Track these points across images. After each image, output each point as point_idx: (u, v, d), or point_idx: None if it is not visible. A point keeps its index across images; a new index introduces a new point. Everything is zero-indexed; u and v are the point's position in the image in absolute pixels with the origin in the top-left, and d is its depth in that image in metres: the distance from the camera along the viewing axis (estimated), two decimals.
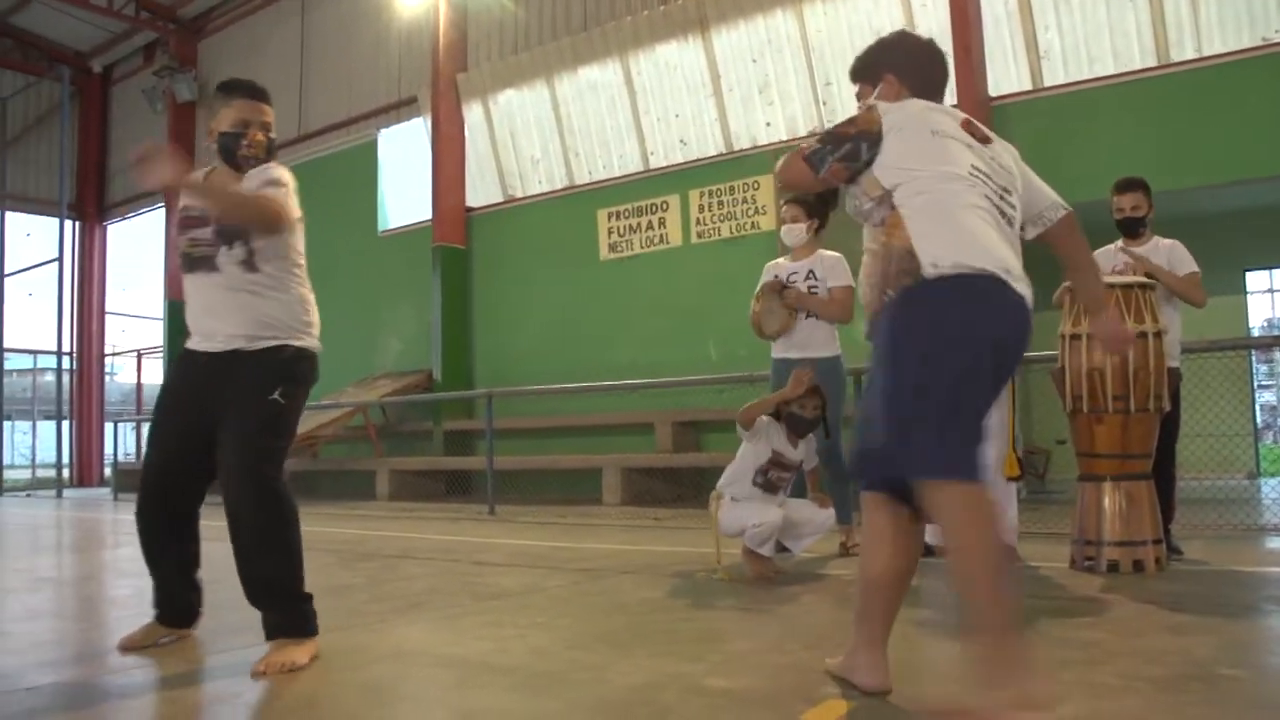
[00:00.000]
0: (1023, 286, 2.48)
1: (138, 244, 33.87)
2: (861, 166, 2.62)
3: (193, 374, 3.32)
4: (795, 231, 5.51)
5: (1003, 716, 2.09)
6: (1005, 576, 2.28)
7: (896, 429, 2.42)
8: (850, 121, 2.67)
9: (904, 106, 2.69)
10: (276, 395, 3.22)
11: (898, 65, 2.86)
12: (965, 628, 2.30)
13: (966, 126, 2.66)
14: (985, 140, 2.67)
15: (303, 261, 3.43)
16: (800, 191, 2.95)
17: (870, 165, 2.61)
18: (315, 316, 3.42)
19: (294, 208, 3.33)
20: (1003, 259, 2.46)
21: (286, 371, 3.26)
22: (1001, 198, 2.59)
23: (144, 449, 3.29)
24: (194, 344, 3.35)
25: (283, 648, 3.08)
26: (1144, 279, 4.75)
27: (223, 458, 3.20)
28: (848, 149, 2.61)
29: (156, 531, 3.43)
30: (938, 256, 2.43)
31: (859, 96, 2.95)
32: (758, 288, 5.56)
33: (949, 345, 2.40)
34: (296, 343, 3.31)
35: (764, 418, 4.82)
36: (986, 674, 2.18)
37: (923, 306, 2.45)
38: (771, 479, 4.82)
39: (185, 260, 3.36)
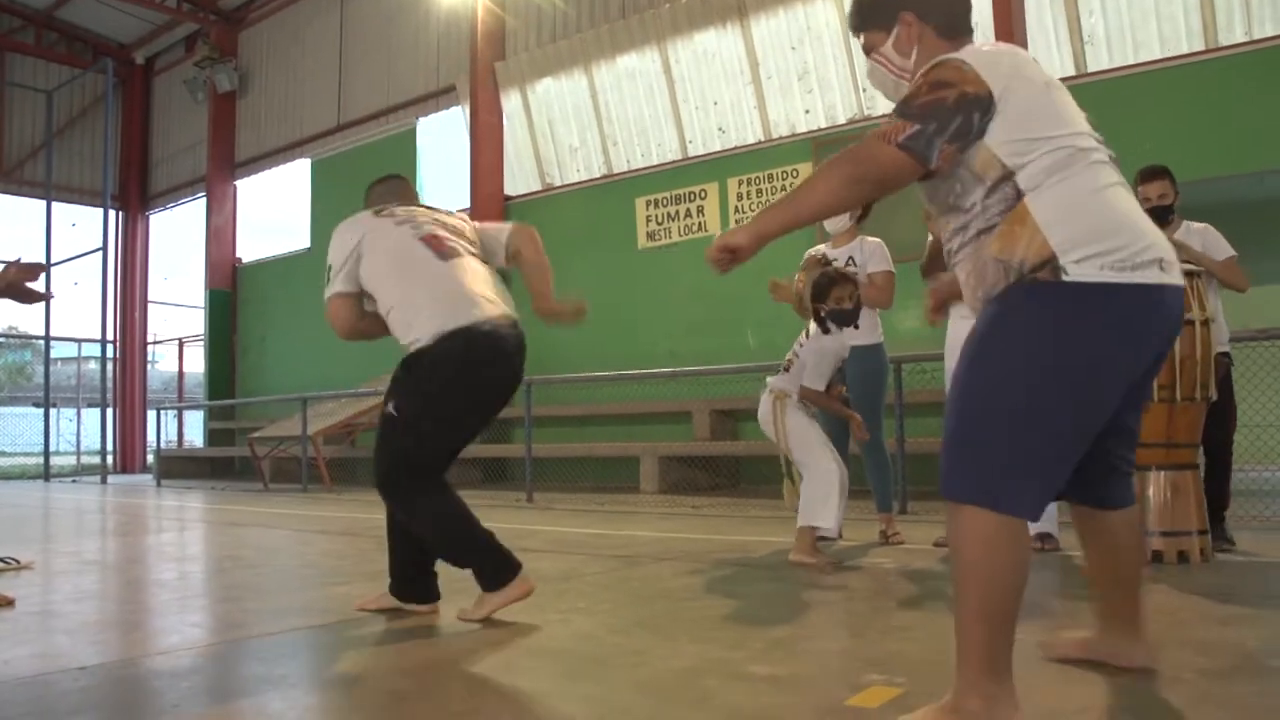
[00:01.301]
0: (1177, 272, 2.12)
1: (179, 233, 34.22)
2: (972, 142, 2.10)
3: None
4: (838, 218, 5.47)
5: None
6: (1007, 634, 2.07)
7: (956, 447, 2.17)
8: (941, 85, 2.08)
9: (990, 54, 2.16)
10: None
11: (917, 2, 2.34)
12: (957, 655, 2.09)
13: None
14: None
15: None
16: (895, 190, 2.16)
17: (981, 136, 2.09)
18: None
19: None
20: (1164, 246, 2.11)
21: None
22: (1111, 159, 2.20)
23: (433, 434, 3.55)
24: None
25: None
26: (1191, 266, 4.68)
27: None
28: (958, 124, 2.06)
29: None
30: (1085, 252, 2.02)
31: (868, 49, 2.46)
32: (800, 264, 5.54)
33: (1064, 374, 2.03)
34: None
35: (823, 342, 4.76)
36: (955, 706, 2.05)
37: (1054, 311, 2.04)
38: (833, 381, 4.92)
39: None
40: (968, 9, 2.40)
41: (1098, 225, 2.05)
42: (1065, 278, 2.01)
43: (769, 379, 4.91)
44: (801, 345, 4.83)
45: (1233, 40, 8.50)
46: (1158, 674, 2.48)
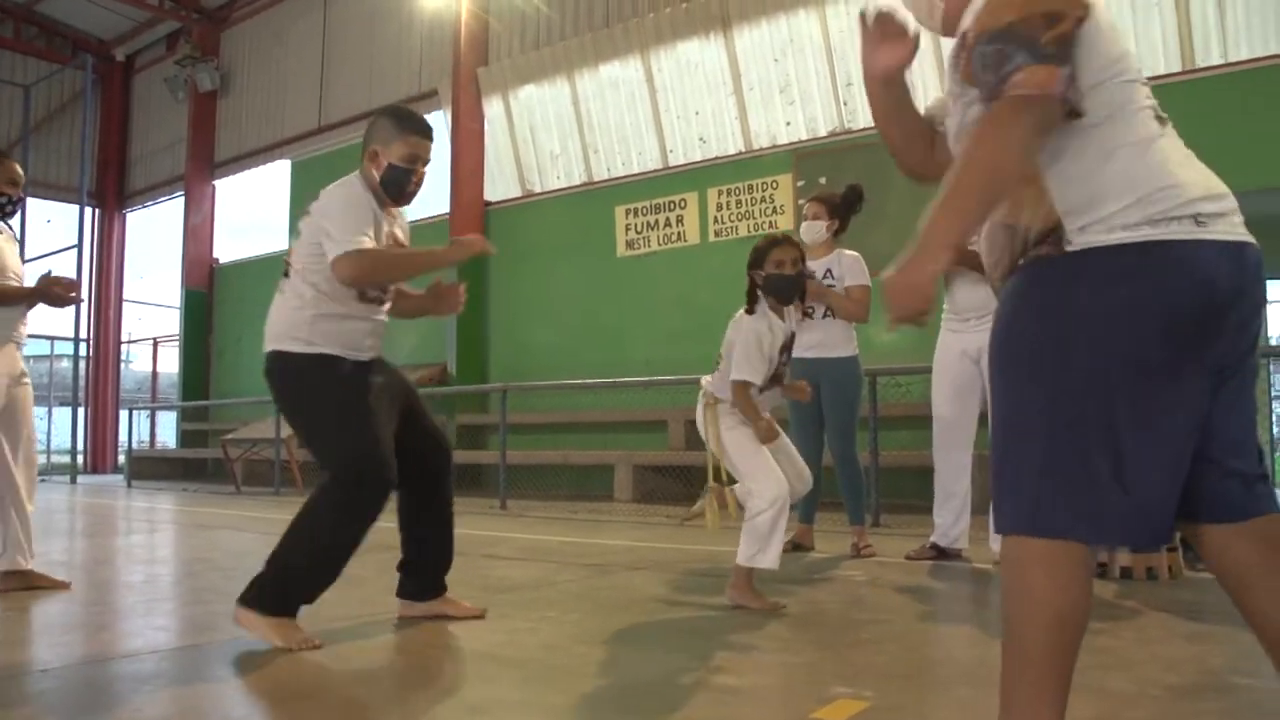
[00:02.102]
0: (1237, 219, 1.71)
1: (156, 232, 34.05)
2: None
3: None
4: (815, 229, 5.49)
5: None
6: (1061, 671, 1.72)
7: (999, 463, 1.79)
8: (1057, 11, 1.67)
9: None
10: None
11: None
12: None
13: None
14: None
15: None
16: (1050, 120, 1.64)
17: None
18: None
19: None
20: (1203, 189, 1.72)
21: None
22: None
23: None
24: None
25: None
26: None
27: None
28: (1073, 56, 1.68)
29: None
30: (1095, 215, 1.68)
31: None
32: None
33: (1073, 363, 1.68)
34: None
35: (744, 316, 4.01)
36: None
37: (1050, 293, 1.73)
38: (777, 371, 4.08)
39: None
40: None
41: (1112, 181, 1.70)
42: (1069, 248, 1.70)
43: (703, 379, 4.20)
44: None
45: (1209, 62, 8.57)
46: (1124, 690, 2.49)
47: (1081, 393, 1.67)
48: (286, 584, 3.26)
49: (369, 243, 3.22)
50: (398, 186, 3.39)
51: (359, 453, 3.28)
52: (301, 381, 3.39)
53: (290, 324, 3.37)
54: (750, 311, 3.98)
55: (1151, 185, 1.68)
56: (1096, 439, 1.65)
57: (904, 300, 1.71)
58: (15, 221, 4.67)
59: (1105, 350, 1.65)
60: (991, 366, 1.82)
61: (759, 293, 3.98)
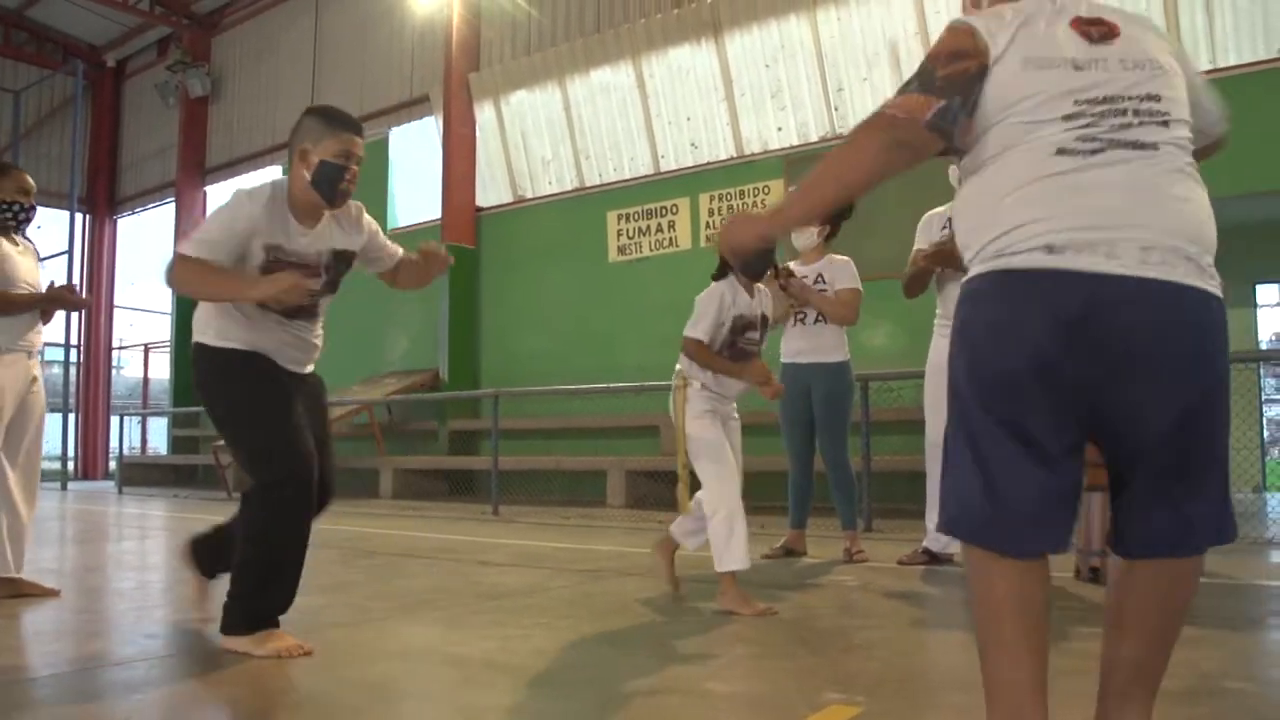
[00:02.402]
0: (1118, 251, 1.76)
1: (148, 238, 33.97)
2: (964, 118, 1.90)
3: None
4: (807, 234, 5.49)
5: None
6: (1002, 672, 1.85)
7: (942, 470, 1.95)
8: (957, 56, 1.88)
9: (1001, 17, 1.93)
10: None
11: None
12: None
13: (1079, 25, 1.90)
14: (1109, 36, 1.90)
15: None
16: (902, 169, 1.89)
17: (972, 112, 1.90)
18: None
19: None
20: (1064, 224, 1.78)
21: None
22: (1134, 115, 1.84)
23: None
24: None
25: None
26: None
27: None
28: (964, 100, 1.88)
29: None
30: (975, 250, 1.89)
31: None
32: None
33: (958, 383, 1.89)
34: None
35: (715, 285, 4.11)
36: None
37: (960, 312, 1.91)
38: (741, 347, 4.11)
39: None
40: None
41: (981, 216, 1.89)
42: (964, 278, 1.94)
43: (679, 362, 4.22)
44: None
45: (1198, 68, 8.59)
46: None
47: (964, 407, 1.87)
48: (250, 600, 3.23)
49: (205, 252, 3.11)
50: (330, 183, 3.26)
51: (274, 449, 3.23)
52: (215, 375, 3.36)
53: (205, 316, 3.37)
54: (717, 279, 4.09)
55: (1014, 220, 1.81)
56: (975, 450, 1.83)
57: (729, 238, 2.09)
58: (32, 233, 4.72)
59: (977, 367, 1.84)
60: None
61: (728, 268, 4.06)
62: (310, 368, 3.56)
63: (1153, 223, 1.79)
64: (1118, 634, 1.95)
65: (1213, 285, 1.83)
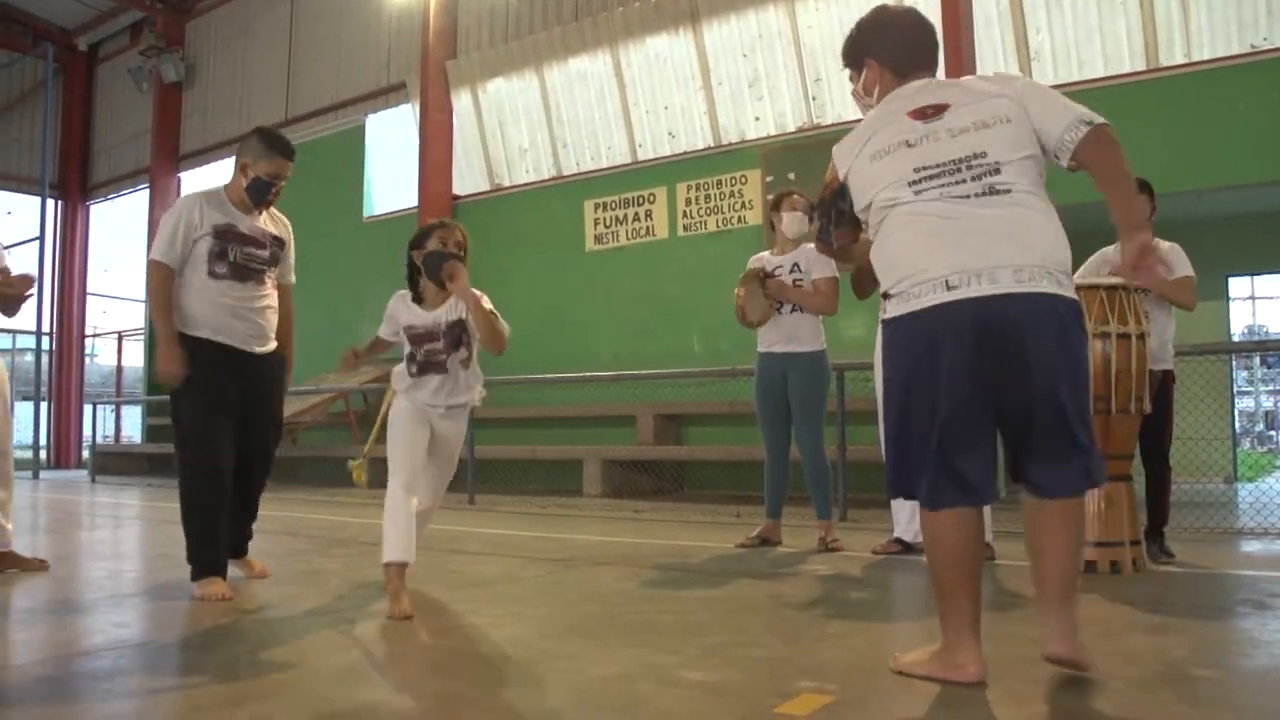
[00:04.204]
0: (975, 284, 2.45)
1: (121, 225, 33.65)
2: (855, 213, 2.75)
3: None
4: (801, 220, 5.49)
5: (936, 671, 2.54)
6: (951, 603, 2.56)
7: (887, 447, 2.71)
8: (825, 183, 2.81)
9: (849, 139, 2.75)
10: None
11: (877, 49, 2.81)
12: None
13: (917, 114, 2.61)
14: (938, 111, 2.59)
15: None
16: (852, 263, 3.15)
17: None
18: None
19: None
20: (945, 268, 2.49)
21: None
22: (967, 169, 2.51)
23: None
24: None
25: None
26: (1115, 280, 4.73)
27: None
28: (834, 212, 2.78)
29: None
30: (887, 287, 2.63)
31: (850, 81, 2.94)
32: (739, 286, 5.54)
33: (890, 384, 2.65)
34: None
35: (391, 303, 4.21)
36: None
37: (885, 342, 2.67)
38: (423, 359, 4.01)
39: None
40: (920, 51, 2.79)
41: (882, 269, 2.63)
42: (884, 316, 2.65)
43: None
44: None
45: (1173, 61, 8.66)
46: (1084, 682, 2.51)
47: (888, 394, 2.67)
48: (191, 551, 4.10)
49: (161, 254, 4.15)
50: (259, 194, 4.25)
51: (194, 435, 4.11)
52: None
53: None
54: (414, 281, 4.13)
55: (911, 267, 2.54)
56: (905, 425, 2.61)
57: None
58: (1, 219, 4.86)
59: (896, 367, 2.62)
60: None
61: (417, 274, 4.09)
62: (270, 345, 4.36)
63: (1016, 253, 2.45)
64: (1039, 556, 2.57)
65: (1069, 292, 2.53)
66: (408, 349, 4.06)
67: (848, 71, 2.93)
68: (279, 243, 4.41)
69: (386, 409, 4.16)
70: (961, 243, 2.47)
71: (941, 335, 2.47)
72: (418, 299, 4.10)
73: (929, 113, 2.57)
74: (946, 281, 2.45)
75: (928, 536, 2.59)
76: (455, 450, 4.18)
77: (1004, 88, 2.59)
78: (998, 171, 2.49)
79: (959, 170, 2.50)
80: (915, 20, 2.86)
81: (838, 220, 2.76)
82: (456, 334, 3.99)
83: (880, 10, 2.92)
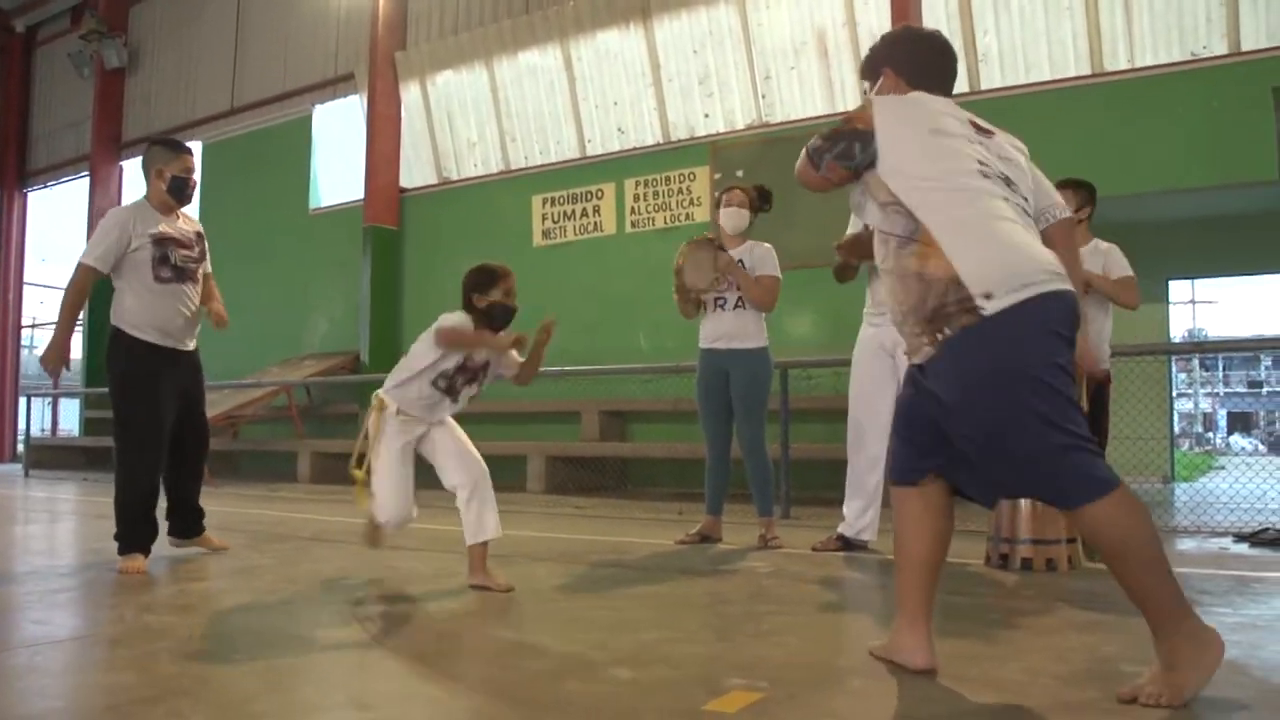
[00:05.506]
0: (1066, 282, 2.46)
1: (60, 213, 33.00)
2: (860, 166, 2.60)
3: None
4: (741, 215, 5.49)
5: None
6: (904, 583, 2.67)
7: (1050, 459, 2.34)
8: (847, 118, 2.66)
9: (903, 101, 2.68)
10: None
11: (895, 59, 2.84)
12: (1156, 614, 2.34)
13: (971, 123, 2.65)
14: (988, 133, 2.67)
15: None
16: (812, 189, 2.73)
17: (872, 165, 2.58)
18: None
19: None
20: (1049, 261, 2.44)
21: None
22: (1013, 189, 2.58)
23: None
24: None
25: None
26: None
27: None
28: (842, 147, 2.60)
29: None
30: (990, 286, 2.36)
31: (864, 95, 2.95)
32: (684, 244, 5.51)
33: (1035, 372, 2.36)
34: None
35: (461, 319, 4.39)
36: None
37: (990, 349, 2.38)
38: (456, 384, 4.35)
39: None
40: (947, 67, 2.84)
41: (994, 258, 2.40)
42: (984, 314, 2.36)
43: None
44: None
45: (1117, 67, 8.76)
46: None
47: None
48: (123, 530, 4.62)
49: (92, 260, 4.61)
50: (180, 191, 4.81)
51: (134, 422, 4.66)
52: (114, 356, 4.72)
53: (118, 303, 4.73)
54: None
55: (1015, 259, 2.45)
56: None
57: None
58: None
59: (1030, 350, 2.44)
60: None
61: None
62: (193, 344, 4.94)
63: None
64: (937, 544, 2.67)
65: None
66: (439, 374, 4.28)
67: (864, 84, 2.97)
68: (201, 238, 4.97)
69: (371, 429, 4.22)
70: (1037, 241, 2.54)
71: (1063, 321, 2.43)
72: None
73: (979, 129, 2.66)
74: (1056, 271, 2.43)
75: (1146, 518, 2.35)
76: (455, 426, 4.46)
77: (1019, 145, 2.77)
78: (1026, 201, 2.64)
79: (1010, 186, 2.58)
80: (940, 44, 2.89)
81: (843, 156, 2.60)
82: (484, 373, 4.46)
83: (906, 27, 3.11)
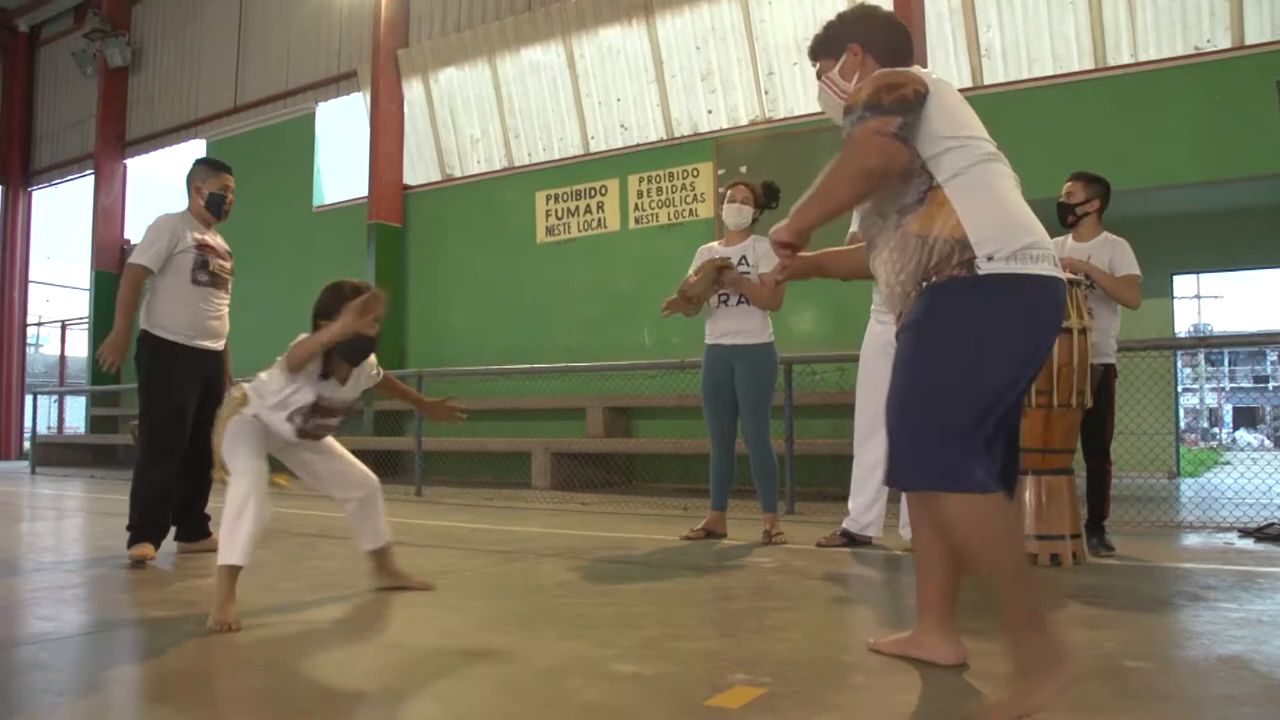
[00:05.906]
0: (1062, 272, 2.43)
1: (65, 212, 33.05)
2: (913, 137, 2.42)
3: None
4: (743, 212, 5.49)
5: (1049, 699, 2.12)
6: (1031, 573, 2.38)
7: (912, 434, 2.31)
8: (897, 85, 2.40)
9: (917, 69, 2.54)
10: None
11: (863, 36, 2.74)
12: (1005, 624, 2.21)
13: None
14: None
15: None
16: (894, 173, 2.37)
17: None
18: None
19: None
20: (1053, 246, 2.42)
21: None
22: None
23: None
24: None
25: None
26: (1072, 275, 4.77)
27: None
28: (915, 116, 2.39)
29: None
30: (996, 247, 2.29)
31: (820, 74, 2.84)
32: (696, 263, 5.51)
33: (1000, 352, 2.30)
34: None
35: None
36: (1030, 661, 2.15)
37: (970, 301, 2.31)
38: (312, 428, 3.73)
39: None
40: (905, 47, 2.74)
41: (1003, 221, 2.34)
42: (980, 272, 2.29)
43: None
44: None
45: (1120, 61, 8.74)
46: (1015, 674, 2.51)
47: (971, 372, 2.36)
48: (137, 520, 4.83)
49: (144, 259, 4.96)
50: (217, 206, 5.20)
51: (158, 418, 4.93)
52: (144, 356, 5.01)
53: (150, 306, 5.05)
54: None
55: (1023, 230, 2.41)
56: (974, 407, 2.33)
57: (778, 253, 2.76)
58: None
59: (1016, 328, 2.40)
60: (903, 352, 2.46)
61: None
62: (221, 343, 5.25)
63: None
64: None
65: None
66: (295, 409, 3.64)
67: (815, 65, 2.86)
68: (231, 256, 5.37)
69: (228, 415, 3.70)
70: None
71: (1053, 309, 2.39)
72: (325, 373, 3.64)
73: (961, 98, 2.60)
74: (1055, 257, 2.40)
75: (979, 523, 2.22)
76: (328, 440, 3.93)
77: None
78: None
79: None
80: (901, 26, 2.83)
81: (914, 126, 2.38)
82: (352, 410, 3.76)
83: (865, 5, 2.94)
